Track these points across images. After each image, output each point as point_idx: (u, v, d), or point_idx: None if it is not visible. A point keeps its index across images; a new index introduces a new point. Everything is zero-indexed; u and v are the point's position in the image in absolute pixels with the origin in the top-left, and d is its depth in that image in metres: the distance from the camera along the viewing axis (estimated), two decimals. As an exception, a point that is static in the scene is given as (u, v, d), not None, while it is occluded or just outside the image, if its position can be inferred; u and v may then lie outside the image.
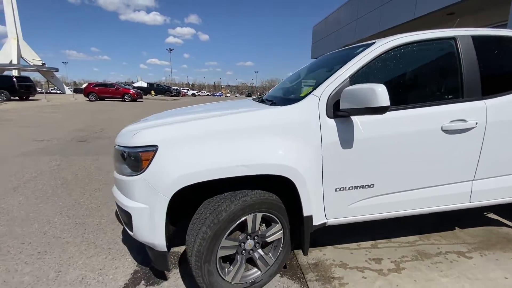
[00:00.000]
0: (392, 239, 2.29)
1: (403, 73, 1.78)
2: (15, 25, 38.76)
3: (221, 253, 1.49)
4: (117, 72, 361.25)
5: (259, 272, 1.67)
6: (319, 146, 1.51)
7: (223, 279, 1.53)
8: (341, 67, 1.64)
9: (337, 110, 1.53)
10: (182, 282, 1.79)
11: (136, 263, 1.99)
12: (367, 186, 1.64)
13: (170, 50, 69.19)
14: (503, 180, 1.88)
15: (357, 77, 1.59)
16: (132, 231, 1.53)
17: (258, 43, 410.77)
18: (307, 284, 1.74)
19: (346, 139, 1.54)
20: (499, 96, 1.76)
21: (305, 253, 1.64)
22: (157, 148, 1.41)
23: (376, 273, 1.85)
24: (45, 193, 3.20)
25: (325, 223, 1.67)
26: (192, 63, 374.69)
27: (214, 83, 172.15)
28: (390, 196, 1.72)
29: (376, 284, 1.75)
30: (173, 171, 1.38)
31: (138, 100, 23.50)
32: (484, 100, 1.73)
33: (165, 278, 1.83)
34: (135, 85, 39.08)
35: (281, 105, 1.66)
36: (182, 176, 1.37)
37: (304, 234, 1.58)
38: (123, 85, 25.93)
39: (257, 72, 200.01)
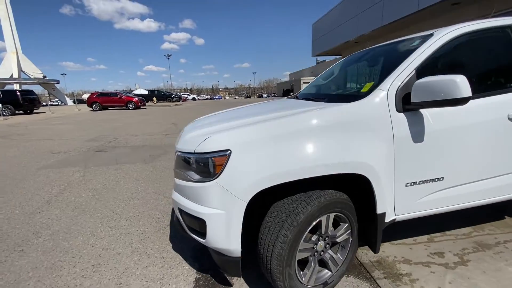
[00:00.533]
0: (447, 232, 2.25)
1: (467, 63, 1.76)
2: (14, 39, 38.87)
3: (299, 256, 1.46)
4: (115, 80, 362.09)
5: (330, 272, 1.64)
6: (391, 141, 1.48)
7: (301, 282, 1.50)
8: (402, 60, 1.61)
9: (405, 103, 1.50)
10: (248, 287, 1.76)
11: (195, 271, 1.96)
12: (436, 180, 1.61)
13: (168, 56, 69.36)
14: None
15: (422, 69, 1.56)
16: (204, 239, 1.49)
17: (254, 44, 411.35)
18: (376, 283, 1.71)
19: (417, 133, 1.51)
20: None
21: (377, 251, 1.61)
22: (231, 152, 1.39)
23: (443, 267, 1.82)
24: (79, 204, 3.18)
25: (395, 219, 1.64)
26: (189, 67, 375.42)
27: (212, 86, 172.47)
28: (457, 189, 1.69)
29: (447, 278, 1.71)
30: (251, 174, 1.35)
31: (142, 107, 23.54)
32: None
33: (229, 284, 1.80)
34: (135, 92, 39.11)
35: (337, 102, 1.65)
36: (261, 179, 1.34)
37: (377, 231, 1.55)
38: (126, 93, 25.99)
39: (255, 73, 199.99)
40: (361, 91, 1.68)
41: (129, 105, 22.27)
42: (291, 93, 47.82)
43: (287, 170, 1.34)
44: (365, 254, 2.02)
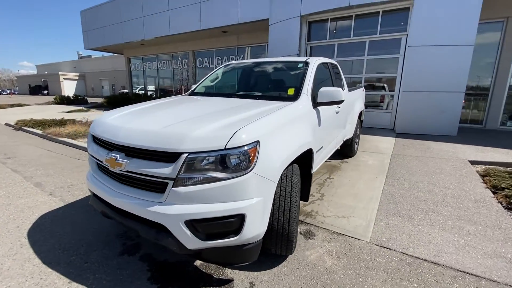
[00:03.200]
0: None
1: (323, 78, 3.04)
2: None
3: (296, 215, 1.94)
4: None
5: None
6: (312, 126, 2.35)
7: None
8: (303, 76, 2.54)
9: (314, 102, 2.43)
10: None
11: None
12: (322, 147, 2.74)
13: None
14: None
15: (314, 82, 2.57)
16: (237, 235, 1.50)
17: None
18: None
19: (319, 120, 2.50)
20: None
21: (307, 199, 2.45)
22: (259, 143, 1.54)
23: (327, 175, 3.05)
24: None
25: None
26: None
27: None
28: (326, 149, 2.94)
29: (330, 176, 2.95)
30: (278, 157, 1.62)
31: None
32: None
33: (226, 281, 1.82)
34: None
35: (280, 100, 2.27)
36: (285, 159, 1.66)
37: (310, 185, 2.38)
38: None
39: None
40: (289, 94, 2.40)
41: None
42: (46, 91, 36.44)
43: (293, 151, 1.78)
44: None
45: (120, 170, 1.59)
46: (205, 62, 14.65)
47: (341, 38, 7.75)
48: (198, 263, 1.98)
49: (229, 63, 3.42)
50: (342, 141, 4.03)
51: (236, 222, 1.47)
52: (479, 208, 2.78)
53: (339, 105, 3.21)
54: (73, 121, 8.20)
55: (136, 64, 19.06)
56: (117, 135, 1.66)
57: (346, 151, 4.58)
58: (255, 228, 1.54)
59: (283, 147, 1.73)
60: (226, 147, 1.43)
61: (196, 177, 1.44)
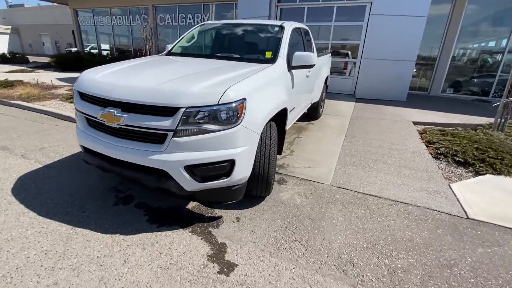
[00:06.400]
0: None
1: (297, 43, 3.24)
2: None
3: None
4: None
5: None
6: (287, 87, 2.63)
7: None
8: (279, 40, 2.74)
9: (289, 65, 2.68)
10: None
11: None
12: (294, 108, 3.07)
13: None
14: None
15: (289, 46, 2.79)
16: (228, 177, 1.81)
17: None
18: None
19: (293, 83, 2.79)
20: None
21: (280, 153, 2.84)
22: (246, 100, 1.79)
23: (296, 135, 3.48)
24: None
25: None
26: None
27: None
28: (297, 110, 3.29)
29: (298, 136, 3.39)
30: (261, 113, 1.90)
31: None
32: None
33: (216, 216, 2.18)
34: None
35: (260, 63, 2.48)
36: (266, 115, 1.95)
37: (283, 141, 2.74)
38: None
39: None
40: (266, 57, 2.60)
41: None
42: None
43: (273, 108, 2.07)
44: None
45: (118, 125, 1.74)
46: (168, 19, 13.50)
47: (311, 2, 7.79)
48: (189, 206, 2.29)
49: (204, 23, 3.41)
50: (310, 104, 4.42)
51: (227, 166, 1.77)
52: (414, 158, 3.46)
53: (310, 70, 3.51)
54: (22, 83, 7.35)
55: (85, 18, 16.76)
56: (112, 91, 1.76)
57: (312, 113, 5.02)
58: (243, 171, 1.87)
59: (265, 104, 2.00)
60: (219, 103, 1.66)
61: (193, 129, 1.67)
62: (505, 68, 7.65)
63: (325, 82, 5.22)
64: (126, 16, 14.90)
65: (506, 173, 3.03)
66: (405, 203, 2.44)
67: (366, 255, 1.82)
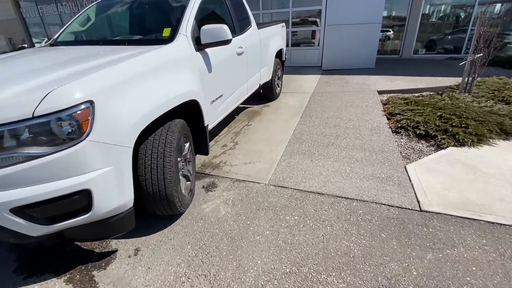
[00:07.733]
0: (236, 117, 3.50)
1: (215, 16, 2.62)
2: None
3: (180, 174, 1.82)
4: None
5: (190, 182, 2.14)
6: (199, 73, 2.08)
7: (184, 195, 1.90)
8: (181, 12, 2.13)
9: (198, 44, 2.11)
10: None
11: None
12: (220, 96, 2.54)
13: None
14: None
15: (198, 19, 2.20)
16: (89, 212, 1.33)
17: None
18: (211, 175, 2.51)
19: (208, 66, 2.23)
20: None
21: (208, 153, 2.35)
22: (93, 103, 1.26)
23: (246, 122, 3.01)
24: None
25: (208, 127, 2.41)
26: None
27: None
28: (229, 99, 2.76)
29: (249, 124, 2.92)
30: (131, 117, 1.39)
31: None
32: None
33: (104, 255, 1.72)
34: None
35: (147, 45, 1.89)
36: (140, 118, 1.43)
37: (207, 138, 2.25)
38: None
39: None
40: (163, 35, 2.01)
41: None
42: None
43: (159, 105, 1.54)
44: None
45: None
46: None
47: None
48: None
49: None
50: (258, 86, 3.88)
51: (81, 199, 1.28)
52: (372, 136, 3.05)
53: (242, 46, 2.93)
54: None
55: (29, 9, 14.96)
56: None
57: (268, 94, 4.50)
58: (111, 201, 1.38)
59: (140, 103, 1.47)
60: (35, 115, 1.13)
61: (9, 157, 1.14)
62: (476, 22, 7.20)
63: (279, 57, 4.64)
64: (72, 3, 13.34)
65: (470, 144, 2.67)
66: (349, 199, 2.04)
67: (285, 285, 1.42)
